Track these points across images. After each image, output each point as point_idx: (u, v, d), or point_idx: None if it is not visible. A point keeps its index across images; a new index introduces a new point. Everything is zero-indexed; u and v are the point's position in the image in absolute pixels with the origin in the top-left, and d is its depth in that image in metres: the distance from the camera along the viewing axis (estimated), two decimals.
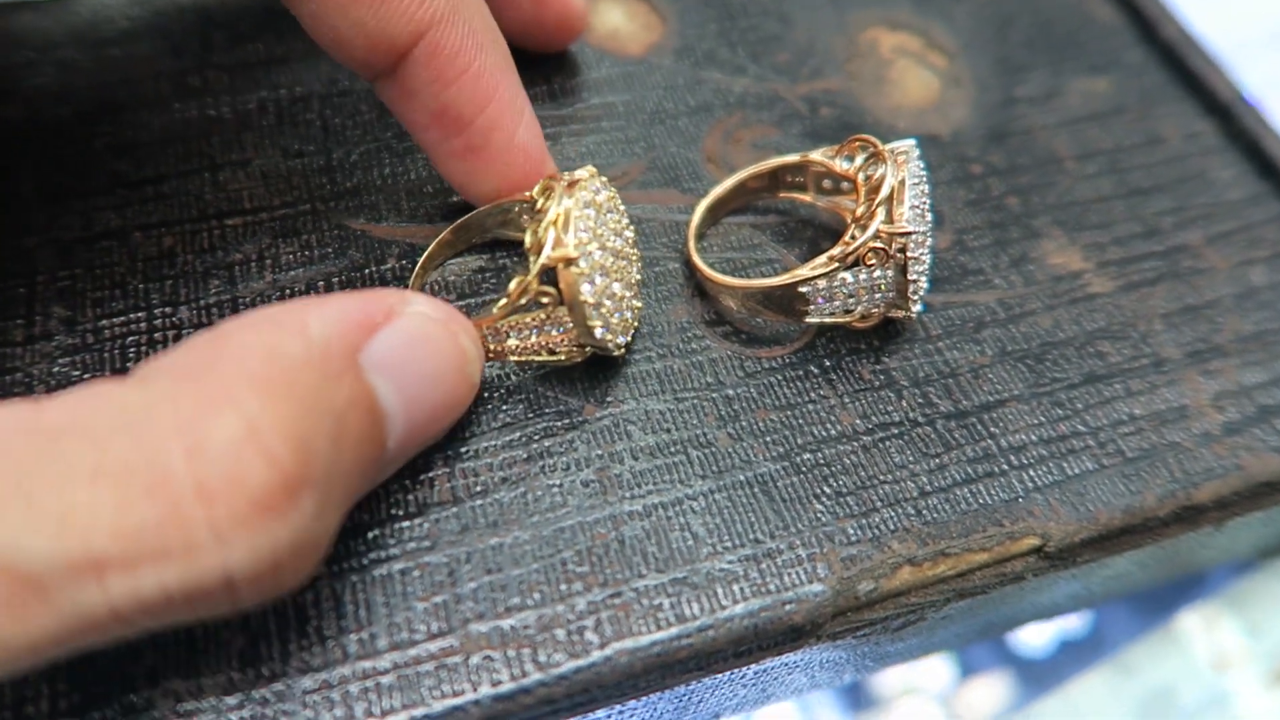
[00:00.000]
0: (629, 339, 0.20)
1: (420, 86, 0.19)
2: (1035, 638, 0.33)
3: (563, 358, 0.19)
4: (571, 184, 0.19)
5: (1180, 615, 0.31)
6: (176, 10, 0.25)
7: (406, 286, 0.21)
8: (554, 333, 0.19)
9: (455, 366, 0.17)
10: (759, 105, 0.26)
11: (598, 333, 0.18)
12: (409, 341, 0.16)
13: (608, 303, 0.19)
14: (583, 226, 0.18)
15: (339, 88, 0.24)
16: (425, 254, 0.20)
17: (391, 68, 0.19)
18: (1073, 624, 0.33)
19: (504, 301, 0.18)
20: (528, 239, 0.18)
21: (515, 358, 0.19)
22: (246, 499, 0.13)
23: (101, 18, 0.24)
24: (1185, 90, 0.28)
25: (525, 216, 0.21)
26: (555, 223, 0.18)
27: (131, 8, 0.25)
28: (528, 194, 0.20)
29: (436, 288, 0.21)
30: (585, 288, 0.18)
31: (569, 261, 0.18)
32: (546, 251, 0.18)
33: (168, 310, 0.20)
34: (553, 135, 0.24)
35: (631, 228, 0.21)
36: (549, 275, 0.18)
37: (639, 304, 0.21)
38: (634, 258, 0.20)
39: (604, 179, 0.20)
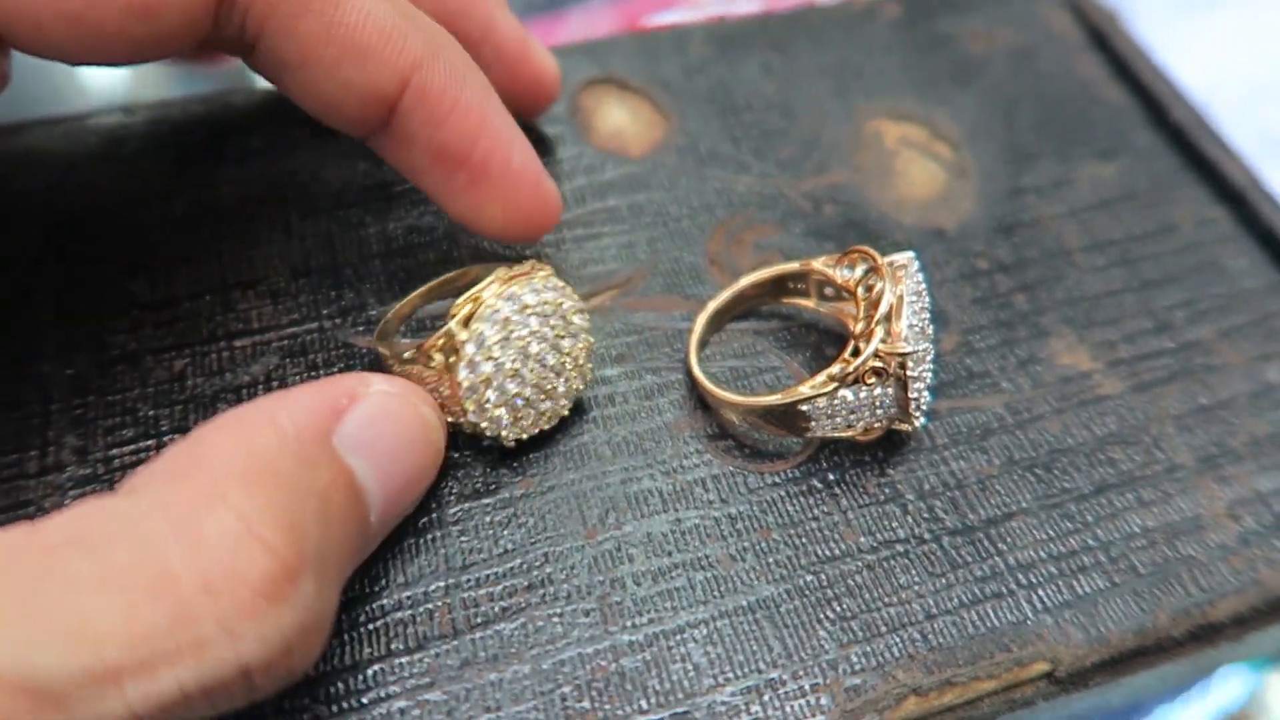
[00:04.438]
0: (524, 436, 0.20)
1: (415, 130, 0.20)
2: None
3: (465, 428, 0.20)
4: (511, 278, 0.19)
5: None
6: (189, 124, 0.25)
7: None
8: (444, 394, 0.19)
9: (420, 436, 0.18)
10: (762, 205, 0.26)
11: (470, 414, 0.19)
12: (375, 419, 0.17)
13: (491, 395, 0.19)
14: (489, 316, 0.19)
15: (345, 201, 0.24)
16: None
17: (384, 120, 0.20)
18: None
19: (414, 351, 0.19)
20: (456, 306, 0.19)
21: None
22: (250, 589, 0.14)
23: (118, 136, 0.25)
24: (1197, 175, 0.28)
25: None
26: (472, 300, 0.19)
27: (146, 126, 0.25)
28: (515, 268, 0.20)
29: None
30: (463, 371, 0.19)
31: (460, 343, 0.19)
32: (449, 325, 0.19)
33: (176, 437, 0.20)
34: (555, 242, 0.24)
35: (578, 341, 0.20)
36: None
37: (555, 408, 0.20)
38: (567, 367, 0.20)
39: (557, 284, 0.20)
